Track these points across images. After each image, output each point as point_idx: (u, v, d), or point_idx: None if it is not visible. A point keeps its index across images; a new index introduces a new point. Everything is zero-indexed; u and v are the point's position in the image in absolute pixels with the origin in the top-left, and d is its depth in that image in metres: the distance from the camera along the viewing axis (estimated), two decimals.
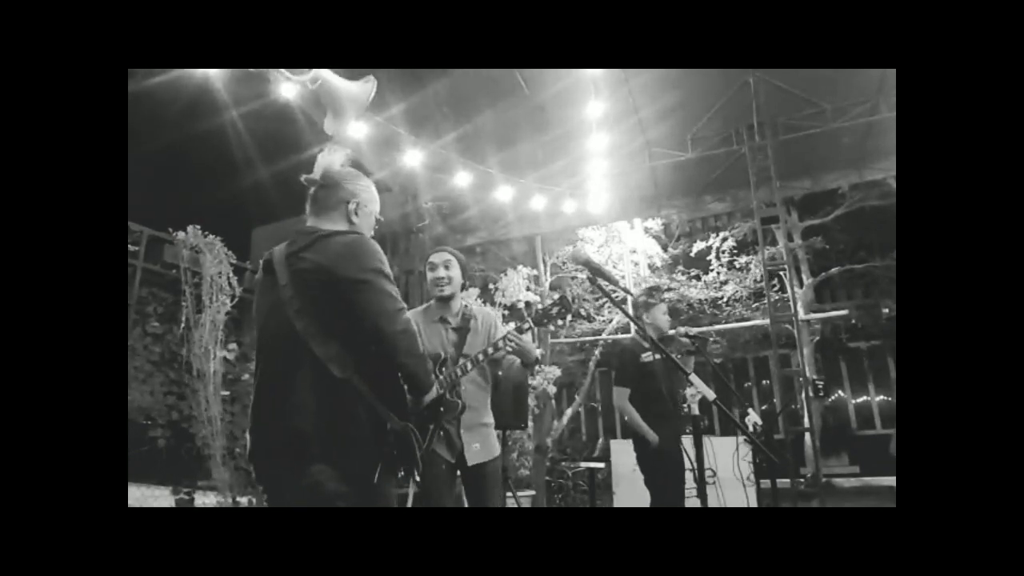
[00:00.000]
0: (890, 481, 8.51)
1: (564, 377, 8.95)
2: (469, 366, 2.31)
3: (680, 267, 10.38)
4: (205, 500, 4.84)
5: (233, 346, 5.36)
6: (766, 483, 4.69)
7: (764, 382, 12.91)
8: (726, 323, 10.10)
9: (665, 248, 10.22)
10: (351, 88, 3.28)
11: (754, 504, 4.78)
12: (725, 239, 10.13)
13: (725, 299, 10.24)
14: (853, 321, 11.09)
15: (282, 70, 4.44)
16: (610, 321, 9.67)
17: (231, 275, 5.23)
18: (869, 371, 12.70)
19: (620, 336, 8.98)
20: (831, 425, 12.08)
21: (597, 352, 9.82)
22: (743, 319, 10.05)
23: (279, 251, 1.63)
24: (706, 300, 10.22)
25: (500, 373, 2.49)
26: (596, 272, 2.11)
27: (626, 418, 3.52)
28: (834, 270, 11.44)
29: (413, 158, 5.96)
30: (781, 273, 7.57)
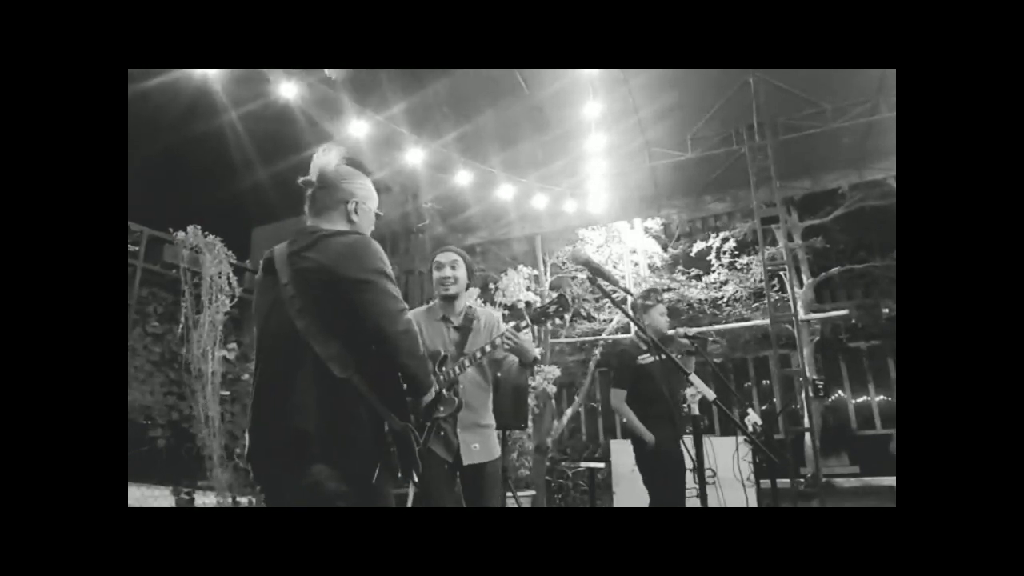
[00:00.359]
0: (890, 481, 8.51)
1: (564, 377, 8.95)
2: (467, 364, 2.31)
3: (680, 267, 10.38)
4: (205, 500, 4.84)
5: (233, 346, 5.36)
6: (766, 483, 4.69)
7: (764, 382, 12.92)
8: (726, 323, 10.10)
9: (665, 248, 10.22)
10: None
11: (754, 504, 4.78)
12: (725, 239, 10.13)
13: (725, 299, 10.24)
14: (853, 321, 11.09)
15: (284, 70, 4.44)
16: (610, 321, 9.68)
17: (231, 275, 5.23)
18: (869, 371, 12.70)
19: (620, 336, 8.98)
20: (831, 425, 12.09)
21: (597, 352, 9.82)
22: (743, 319, 10.05)
23: (280, 250, 1.63)
24: (706, 300, 10.22)
25: (500, 374, 2.49)
26: (596, 272, 2.11)
27: (624, 420, 3.53)
28: (834, 270, 11.44)
29: (414, 157, 5.96)
30: (781, 273, 7.57)
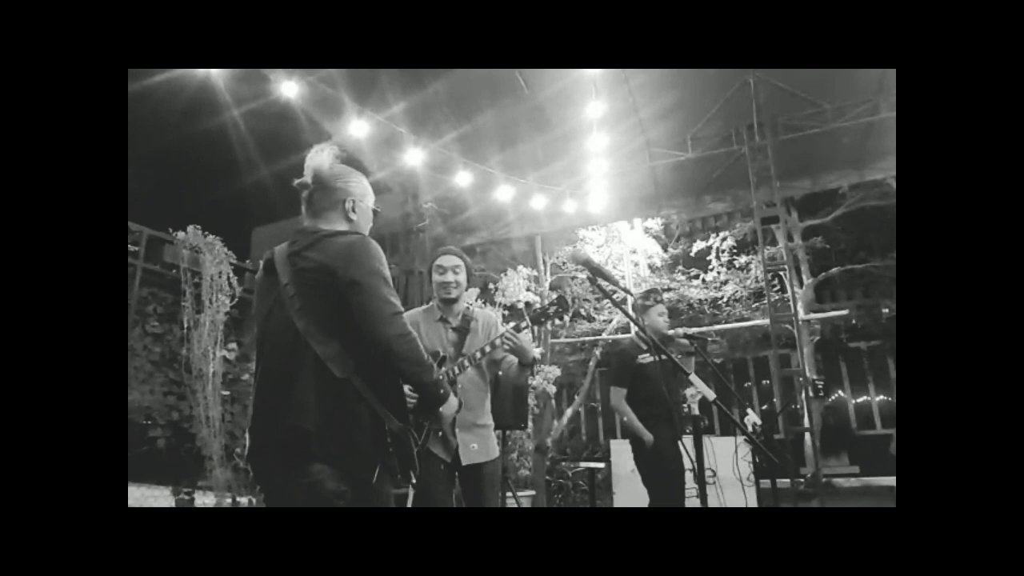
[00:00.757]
0: (890, 481, 8.51)
1: (564, 377, 8.96)
2: (467, 364, 2.32)
3: (680, 267, 10.39)
4: (205, 500, 4.84)
5: (233, 346, 5.36)
6: (766, 483, 4.69)
7: (764, 382, 12.92)
8: (726, 323, 10.10)
9: (665, 248, 10.22)
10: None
11: (754, 504, 4.78)
12: (725, 239, 10.13)
13: (725, 299, 10.24)
14: (853, 321, 11.10)
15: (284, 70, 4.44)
16: (610, 321, 9.68)
17: (231, 275, 5.23)
18: (869, 371, 12.70)
19: (620, 336, 8.98)
20: (831, 425, 12.08)
21: (597, 352, 9.82)
22: (743, 319, 10.05)
23: (280, 251, 1.63)
24: (706, 300, 10.22)
25: (500, 374, 2.49)
26: (596, 272, 2.11)
27: (624, 419, 3.54)
28: (834, 270, 11.44)
29: (413, 158, 5.96)
30: (781, 273, 7.57)
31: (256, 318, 1.67)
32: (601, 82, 5.52)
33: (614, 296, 2.19)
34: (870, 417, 12.58)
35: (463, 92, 5.78)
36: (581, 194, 6.94)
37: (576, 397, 9.87)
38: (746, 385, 13.08)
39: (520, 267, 7.83)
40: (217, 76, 4.63)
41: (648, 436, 3.40)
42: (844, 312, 10.57)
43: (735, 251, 10.16)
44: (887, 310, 10.37)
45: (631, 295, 3.91)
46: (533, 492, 6.39)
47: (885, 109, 5.75)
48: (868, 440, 11.94)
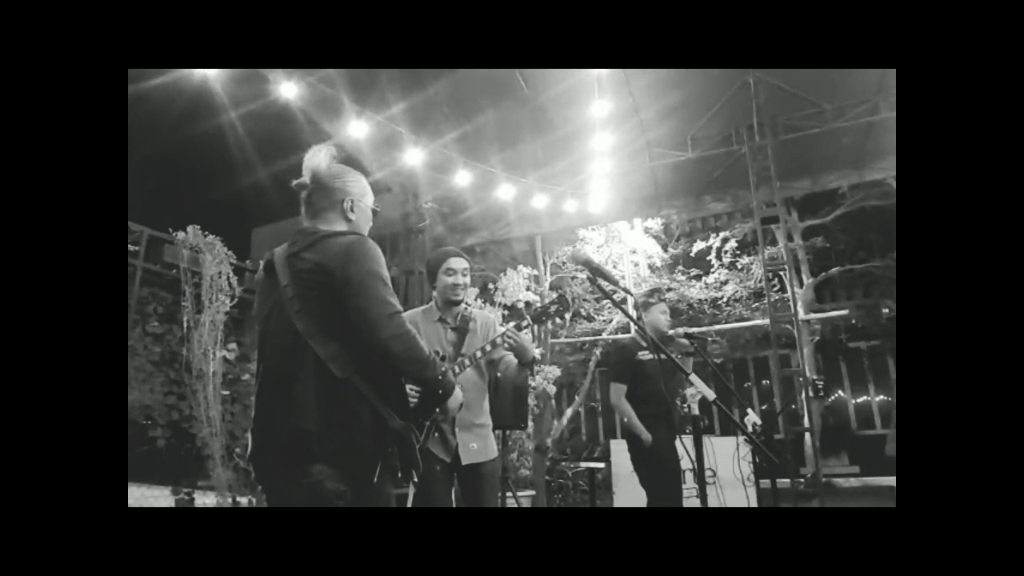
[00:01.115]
0: (890, 481, 8.50)
1: (564, 377, 8.96)
2: (467, 364, 2.32)
3: (680, 267, 10.39)
4: (205, 500, 4.84)
5: (233, 346, 5.36)
6: (766, 483, 4.69)
7: (764, 382, 12.92)
8: (726, 323, 10.10)
9: (665, 248, 10.22)
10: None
11: (754, 504, 4.78)
12: (725, 239, 10.13)
13: (725, 299, 10.24)
14: (853, 321, 11.09)
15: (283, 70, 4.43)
16: (610, 321, 9.68)
17: (231, 275, 5.23)
18: (869, 371, 12.70)
19: (620, 336, 8.98)
20: (831, 425, 12.08)
21: (597, 352, 9.82)
22: (743, 319, 10.05)
23: (280, 252, 1.64)
24: (706, 300, 10.23)
25: (499, 374, 2.49)
26: (596, 272, 2.11)
27: (624, 419, 3.53)
28: (834, 270, 11.44)
29: (414, 158, 5.96)
30: (781, 273, 7.57)
31: (257, 319, 1.67)
32: (602, 83, 5.52)
33: (614, 296, 2.19)
34: (870, 417, 12.58)
35: (463, 92, 5.78)
36: (581, 194, 6.94)
37: (576, 397, 9.87)
38: (746, 385, 13.08)
39: (520, 267, 7.83)
40: (217, 77, 4.63)
41: (647, 436, 3.39)
42: (844, 312, 10.56)
43: (736, 251, 10.17)
44: (887, 310, 10.37)
45: (631, 295, 3.92)
46: (533, 492, 6.39)
47: (885, 109, 5.76)
48: (868, 440, 11.93)
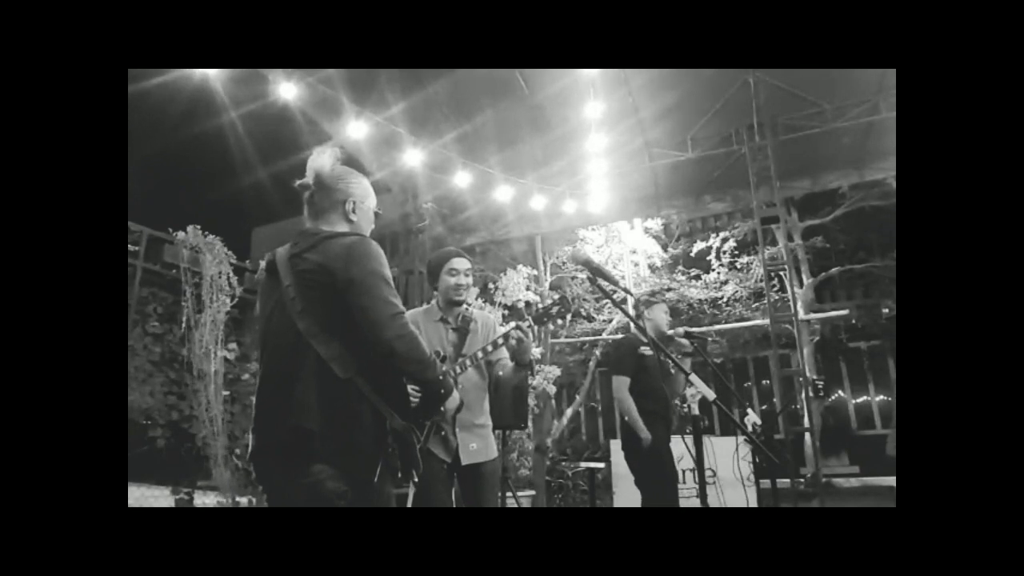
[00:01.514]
0: (890, 481, 8.50)
1: (564, 377, 8.95)
2: (468, 364, 2.32)
3: (680, 267, 10.39)
4: (205, 500, 4.84)
5: (233, 346, 5.37)
6: (766, 483, 4.69)
7: (764, 382, 12.91)
8: (726, 323, 10.10)
9: (665, 248, 10.22)
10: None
11: (754, 504, 4.78)
12: (725, 239, 10.13)
13: (725, 299, 10.24)
14: (853, 321, 11.09)
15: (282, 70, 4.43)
16: (610, 321, 9.68)
17: (231, 275, 5.23)
18: (869, 371, 12.70)
19: (620, 336, 8.97)
20: (831, 425, 12.08)
21: (597, 352, 9.82)
22: (743, 319, 10.04)
23: (282, 252, 1.64)
24: (706, 300, 10.23)
25: (500, 374, 2.49)
26: (596, 272, 2.11)
27: (626, 418, 3.50)
28: (834, 270, 11.44)
29: (413, 158, 5.96)
30: (781, 273, 7.57)
31: (259, 319, 1.67)
32: (601, 82, 5.52)
33: (614, 296, 2.19)
34: (870, 417, 12.57)
35: (462, 92, 5.78)
36: (581, 194, 6.94)
37: (576, 397, 9.87)
38: (746, 385, 13.08)
39: (520, 266, 7.83)
40: (217, 77, 4.63)
41: (647, 435, 3.37)
42: (844, 312, 10.56)
43: (736, 251, 10.17)
44: (887, 310, 10.37)
45: (631, 295, 3.91)
46: (533, 492, 6.39)
47: (885, 109, 5.75)
48: (868, 440, 11.93)
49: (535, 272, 8.27)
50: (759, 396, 12.96)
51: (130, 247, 5.56)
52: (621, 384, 3.53)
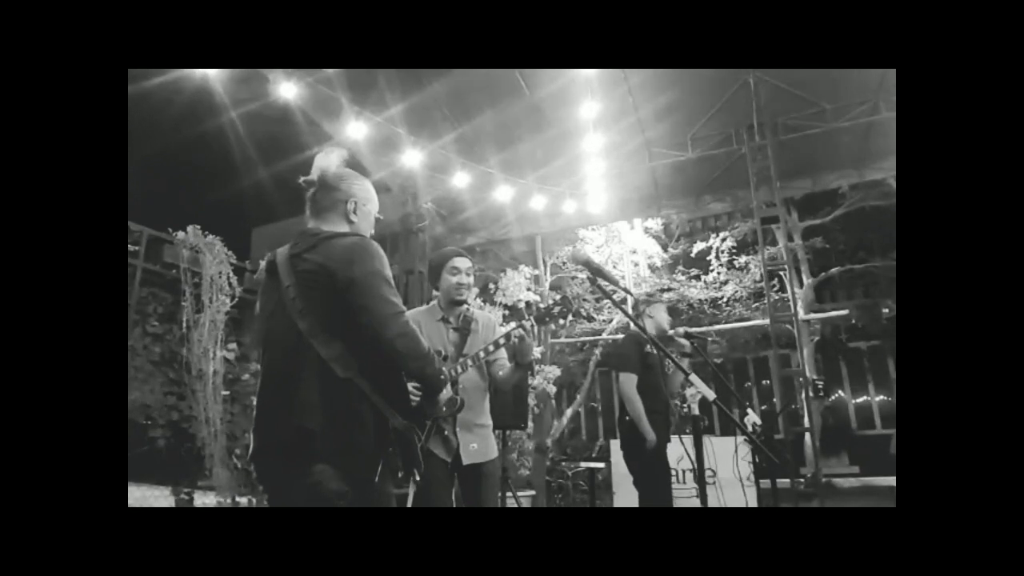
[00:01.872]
0: (890, 481, 8.51)
1: (564, 377, 8.96)
2: (470, 363, 2.32)
3: (680, 267, 10.39)
4: (205, 500, 4.84)
5: (233, 346, 5.37)
6: (766, 483, 4.68)
7: (764, 382, 12.92)
8: (726, 323, 10.10)
9: (665, 248, 10.23)
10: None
11: (754, 504, 4.78)
12: (725, 239, 10.13)
13: (725, 299, 10.24)
14: (853, 321, 11.09)
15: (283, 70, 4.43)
16: (610, 321, 9.68)
17: (231, 275, 5.24)
18: (869, 371, 12.70)
19: (620, 336, 8.97)
20: (831, 425, 12.08)
21: (597, 352, 9.82)
22: (743, 319, 10.05)
23: (283, 252, 1.65)
24: (706, 300, 10.23)
25: (501, 374, 2.49)
26: (596, 272, 2.11)
27: (630, 417, 3.47)
28: (834, 270, 11.44)
29: (413, 158, 5.96)
30: (781, 273, 7.57)
31: (260, 320, 1.68)
32: (600, 82, 5.52)
33: (614, 296, 2.19)
34: (870, 417, 12.58)
35: (462, 92, 5.77)
36: (580, 194, 6.94)
37: (576, 397, 9.87)
38: (746, 385, 13.08)
39: (521, 266, 7.83)
40: (216, 77, 4.63)
41: (652, 437, 3.34)
42: (844, 312, 10.56)
43: (735, 251, 10.17)
44: (887, 310, 10.37)
45: (631, 295, 3.91)
46: (533, 492, 6.40)
47: (885, 109, 5.75)
48: (868, 440, 11.94)
49: (535, 272, 8.27)
50: (759, 396, 12.96)
51: (130, 247, 5.56)
52: (628, 381, 3.45)
